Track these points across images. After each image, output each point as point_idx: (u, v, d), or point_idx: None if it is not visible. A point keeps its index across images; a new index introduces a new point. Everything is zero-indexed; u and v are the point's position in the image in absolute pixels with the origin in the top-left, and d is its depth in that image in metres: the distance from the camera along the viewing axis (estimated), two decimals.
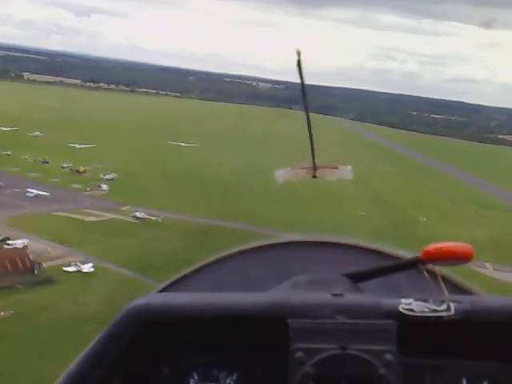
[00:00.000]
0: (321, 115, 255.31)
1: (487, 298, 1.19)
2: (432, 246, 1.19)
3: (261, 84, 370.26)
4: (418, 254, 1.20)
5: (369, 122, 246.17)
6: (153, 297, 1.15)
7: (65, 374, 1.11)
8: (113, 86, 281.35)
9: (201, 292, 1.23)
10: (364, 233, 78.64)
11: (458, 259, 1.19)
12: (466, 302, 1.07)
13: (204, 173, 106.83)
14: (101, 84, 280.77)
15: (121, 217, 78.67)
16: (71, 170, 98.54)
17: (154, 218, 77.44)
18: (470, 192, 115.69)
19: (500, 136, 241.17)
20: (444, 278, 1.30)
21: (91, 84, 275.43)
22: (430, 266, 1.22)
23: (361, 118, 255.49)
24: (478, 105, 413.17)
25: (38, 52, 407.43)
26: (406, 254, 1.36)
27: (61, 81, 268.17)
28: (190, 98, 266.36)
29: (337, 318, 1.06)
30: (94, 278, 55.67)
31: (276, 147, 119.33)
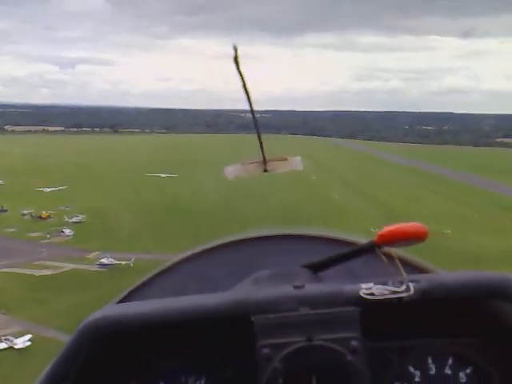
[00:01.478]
0: (314, 137, 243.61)
1: (444, 275, 1.19)
2: (386, 229, 1.17)
3: (248, 115, 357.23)
4: (374, 238, 1.18)
5: (361, 139, 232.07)
6: (110, 308, 1.10)
7: None
8: (97, 129, 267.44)
9: (161, 298, 1.17)
10: None
11: (412, 239, 1.18)
12: (424, 280, 1.06)
13: (187, 204, 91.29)
14: (84, 128, 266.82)
15: (84, 266, 62.68)
16: (32, 216, 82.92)
17: (124, 263, 61.32)
18: (487, 195, 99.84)
19: (498, 139, 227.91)
20: (401, 260, 1.28)
21: (74, 129, 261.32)
22: (386, 249, 1.20)
23: (352, 135, 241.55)
24: (467, 113, 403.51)
25: (25, 106, 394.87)
26: (363, 240, 1.33)
27: (43, 129, 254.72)
28: (177, 133, 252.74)
29: (300, 309, 1.04)
30: (29, 355, 39.29)
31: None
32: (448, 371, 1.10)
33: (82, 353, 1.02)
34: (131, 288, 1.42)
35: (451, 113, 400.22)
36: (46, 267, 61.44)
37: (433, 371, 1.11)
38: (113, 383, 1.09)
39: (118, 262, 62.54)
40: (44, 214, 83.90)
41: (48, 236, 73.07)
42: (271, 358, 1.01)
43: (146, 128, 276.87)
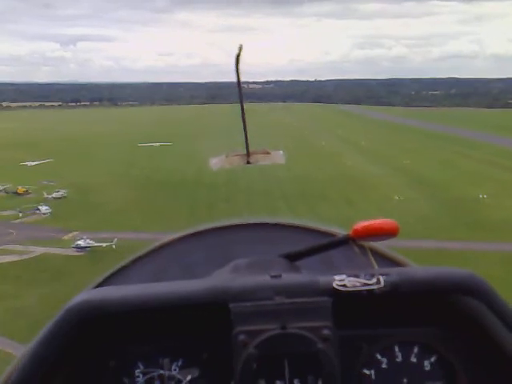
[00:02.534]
0: (320, 104, 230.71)
1: (414, 269, 1.22)
2: (360, 224, 1.21)
3: (251, 85, 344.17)
4: (349, 231, 1.22)
5: (367, 104, 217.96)
6: (92, 293, 1.11)
7: (6, 373, 1.08)
8: (96, 103, 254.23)
9: (141, 283, 1.19)
10: (418, 219, 51.31)
11: (384, 235, 1.22)
12: (394, 274, 1.10)
13: (182, 175, 79.22)
14: (83, 103, 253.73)
15: (57, 250, 50.96)
16: (6, 192, 70.86)
17: (105, 245, 49.49)
18: None
19: (510, 101, 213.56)
20: (376, 252, 1.34)
21: (72, 104, 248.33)
22: (361, 242, 1.25)
23: (357, 102, 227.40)
24: (472, 78, 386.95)
25: (26, 84, 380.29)
26: (340, 231, 1.37)
27: (40, 105, 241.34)
28: (178, 105, 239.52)
29: (276, 298, 1.07)
30: None
31: (269, 132, 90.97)
32: (413, 359, 1.14)
33: (64, 336, 1.03)
34: (111, 271, 1.42)
35: (456, 78, 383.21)
36: (11, 252, 49.74)
37: (399, 359, 1.14)
38: (92, 364, 1.11)
39: (98, 244, 50.78)
40: (20, 189, 72.17)
41: (20, 215, 61.28)
42: (246, 344, 1.03)
43: (147, 101, 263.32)
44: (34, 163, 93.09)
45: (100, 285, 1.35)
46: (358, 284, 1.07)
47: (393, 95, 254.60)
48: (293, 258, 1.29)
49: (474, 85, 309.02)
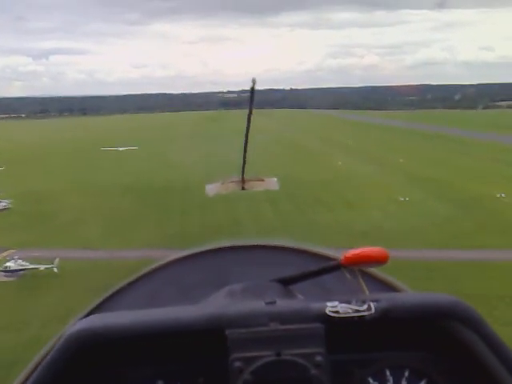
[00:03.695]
0: (294, 109, 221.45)
1: (404, 295, 1.25)
2: (351, 252, 1.24)
3: (226, 95, 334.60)
4: (340, 256, 1.24)
5: (343, 109, 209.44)
6: (93, 320, 1.11)
7: None
8: (66, 114, 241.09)
9: (137, 306, 1.20)
10: (433, 223, 41.06)
11: (374, 262, 1.25)
12: (385, 300, 1.11)
13: (149, 181, 67.73)
14: (52, 113, 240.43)
15: None
16: None
17: (43, 268, 37.60)
18: None
19: (490, 103, 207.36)
20: (367, 275, 1.35)
21: (40, 114, 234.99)
22: (352, 267, 1.26)
23: (334, 107, 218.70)
24: (445, 84, 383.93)
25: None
26: (333, 253, 1.39)
27: (7, 116, 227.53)
28: (151, 112, 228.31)
29: (270, 325, 1.07)
30: None
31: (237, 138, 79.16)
32: (404, 383, 1.15)
33: (65, 362, 1.03)
34: (106, 294, 1.41)
35: (429, 84, 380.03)
36: None
37: (390, 383, 1.14)
38: None
39: (34, 267, 38.91)
40: None
41: None
42: (242, 370, 1.03)
43: (118, 111, 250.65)
44: None
45: (96, 309, 1.34)
46: (349, 310, 1.07)
47: (368, 101, 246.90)
48: (286, 282, 1.29)
49: (448, 90, 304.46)
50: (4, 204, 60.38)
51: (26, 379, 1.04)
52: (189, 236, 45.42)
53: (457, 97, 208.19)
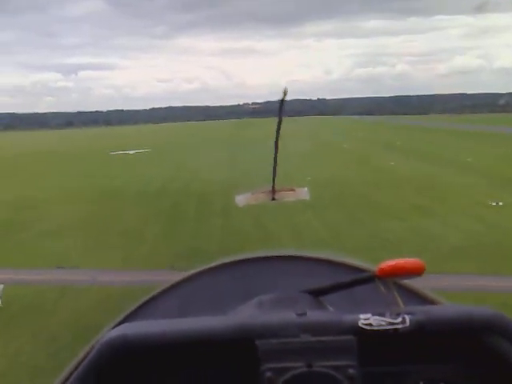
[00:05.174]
0: (324, 116, 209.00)
1: (440, 308, 1.22)
2: (386, 263, 1.22)
3: (251, 106, 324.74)
4: (375, 268, 1.22)
5: (379, 115, 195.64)
6: (125, 328, 1.11)
7: None
8: (90, 125, 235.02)
9: (167, 316, 1.20)
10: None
11: (410, 274, 1.22)
12: (421, 313, 1.08)
13: (157, 186, 55.31)
14: (76, 126, 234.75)
15: None
16: None
17: None
18: None
19: None
20: (402, 288, 1.33)
21: (65, 127, 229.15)
22: (386, 279, 1.24)
23: (369, 113, 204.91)
24: (481, 93, 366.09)
25: (29, 114, 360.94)
26: (366, 265, 1.37)
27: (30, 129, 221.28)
28: (174, 122, 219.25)
29: (301, 336, 1.06)
30: None
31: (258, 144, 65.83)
32: None
33: (100, 370, 1.04)
34: (137, 304, 1.43)
35: (464, 93, 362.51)
36: None
37: None
38: None
39: None
40: None
41: None
42: (273, 381, 1.03)
43: (141, 121, 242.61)
44: None
45: (127, 318, 1.34)
46: (383, 323, 1.05)
47: (403, 108, 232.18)
48: (317, 293, 1.27)
49: (484, 99, 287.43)
50: None
51: (66, 380, 1.05)
52: (191, 250, 31.88)
53: (501, 101, 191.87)
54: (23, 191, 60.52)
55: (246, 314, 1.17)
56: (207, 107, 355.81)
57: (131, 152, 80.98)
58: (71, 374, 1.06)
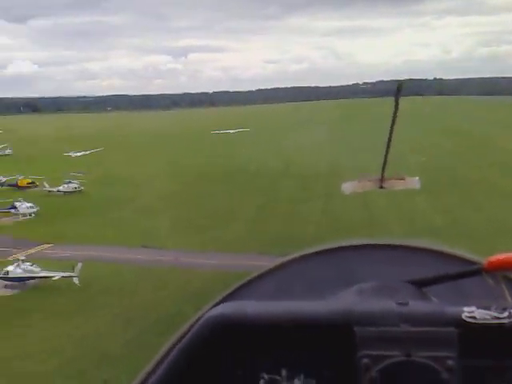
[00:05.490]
0: (444, 96, 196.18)
1: None
2: (495, 257, 1.18)
3: (362, 86, 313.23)
4: (482, 260, 1.19)
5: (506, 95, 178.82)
6: (227, 307, 1.15)
7: (140, 377, 1.14)
8: (196, 106, 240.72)
9: (265, 298, 1.25)
10: None
11: None
12: None
13: (256, 166, 53.21)
14: (182, 106, 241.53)
15: None
16: (9, 185, 50.14)
17: (58, 277, 23.67)
18: None
19: None
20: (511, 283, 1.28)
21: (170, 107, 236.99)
22: (495, 273, 1.19)
23: (488, 94, 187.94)
24: None
25: (139, 98, 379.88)
26: (471, 257, 1.34)
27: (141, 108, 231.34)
28: (281, 103, 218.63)
29: (401, 326, 1.04)
30: None
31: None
32: None
33: (202, 345, 1.08)
34: (238, 284, 1.45)
35: None
36: None
37: None
38: (221, 371, 1.14)
39: (46, 275, 25.14)
40: (22, 180, 49.81)
41: None
42: (369, 367, 1.03)
43: (249, 103, 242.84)
44: (79, 154, 72.78)
45: (227, 297, 1.38)
46: (487, 317, 1.02)
47: None
48: (420, 284, 1.25)
49: None
50: (75, 186, 49.09)
51: (163, 358, 1.11)
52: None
53: None
54: (123, 168, 60.59)
55: (345, 301, 1.17)
56: (316, 88, 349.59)
57: (231, 131, 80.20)
58: (173, 347, 1.12)
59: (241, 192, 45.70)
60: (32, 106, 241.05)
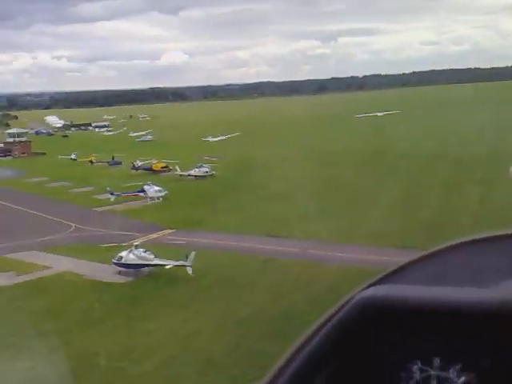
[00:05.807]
0: None
1: None
2: None
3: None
4: None
5: None
6: (381, 288, 1.16)
7: (291, 350, 1.13)
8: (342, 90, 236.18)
9: (421, 283, 1.21)
10: None
11: None
12: None
13: (409, 147, 48.21)
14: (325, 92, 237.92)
15: (89, 268, 24.30)
16: (136, 169, 49.77)
17: (170, 266, 22.28)
18: None
19: None
20: None
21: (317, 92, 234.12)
22: None
23: None
24: None
25: (286, 84, 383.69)
26: None
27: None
28: (437, 85, 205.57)
29: None
30: None
31: None
32: None
33: (354, 325, 1.08)
34: (389, 270, 1.40)
35: None
36: (13, 268, 25.57)
37: None
38: (375, 354, 1.14)
39: (159, 263, 23.17)
40: (157, 164, 49.80)
41: (112, 198, 37.55)
42: None
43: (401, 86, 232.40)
44: (217, 139, 72.57)
45: (379, 282, 1.33)
46: None
47: None
48: None
49: None
50: (206, 170, 47.78)
51: (315, 333, 1.10)
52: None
53: None
54: (258, 152, 58.25)
55: (507, 290, 1.11)
56: (477, 69, 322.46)
57: (380, 114, 75.95)
58: (322, 326, 1.10)
59: (384, 177, 40.78)
60: (180, 95, 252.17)
